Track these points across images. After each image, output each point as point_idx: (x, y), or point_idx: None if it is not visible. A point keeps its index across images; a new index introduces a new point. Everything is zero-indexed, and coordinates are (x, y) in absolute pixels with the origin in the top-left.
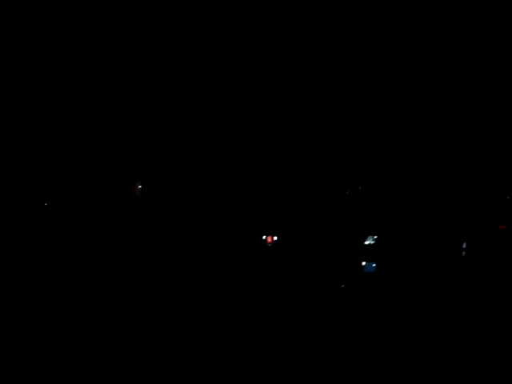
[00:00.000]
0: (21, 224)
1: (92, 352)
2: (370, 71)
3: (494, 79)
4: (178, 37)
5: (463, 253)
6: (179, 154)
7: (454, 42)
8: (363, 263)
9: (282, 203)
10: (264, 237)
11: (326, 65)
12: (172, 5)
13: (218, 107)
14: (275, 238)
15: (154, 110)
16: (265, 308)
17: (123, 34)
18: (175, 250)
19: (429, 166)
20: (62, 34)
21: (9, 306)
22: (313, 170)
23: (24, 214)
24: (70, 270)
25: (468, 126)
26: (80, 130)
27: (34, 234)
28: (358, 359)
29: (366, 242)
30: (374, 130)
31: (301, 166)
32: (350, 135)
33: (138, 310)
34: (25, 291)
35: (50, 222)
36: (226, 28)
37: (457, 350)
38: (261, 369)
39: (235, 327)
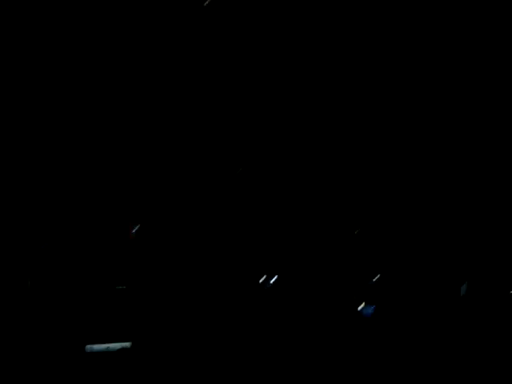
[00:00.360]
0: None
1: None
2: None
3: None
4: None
5: (462, 293)
6: (177, 193)
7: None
8: (361, 306)
9: (283, 241)
10: (264, 277)
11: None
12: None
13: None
14: (275, 277)
15: (156, 145)
16: (262, 344)
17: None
18: (174, 288)
19: (433, 210)
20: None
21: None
22: (315, 209)
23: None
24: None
25: (481, 160)
26: (81, 166)
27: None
28: None
29: (368, 282)
30: (383, 163)
31: (302, 204)
32: (357, 166)
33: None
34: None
35: (47, 262)
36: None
37: None
38: None
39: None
